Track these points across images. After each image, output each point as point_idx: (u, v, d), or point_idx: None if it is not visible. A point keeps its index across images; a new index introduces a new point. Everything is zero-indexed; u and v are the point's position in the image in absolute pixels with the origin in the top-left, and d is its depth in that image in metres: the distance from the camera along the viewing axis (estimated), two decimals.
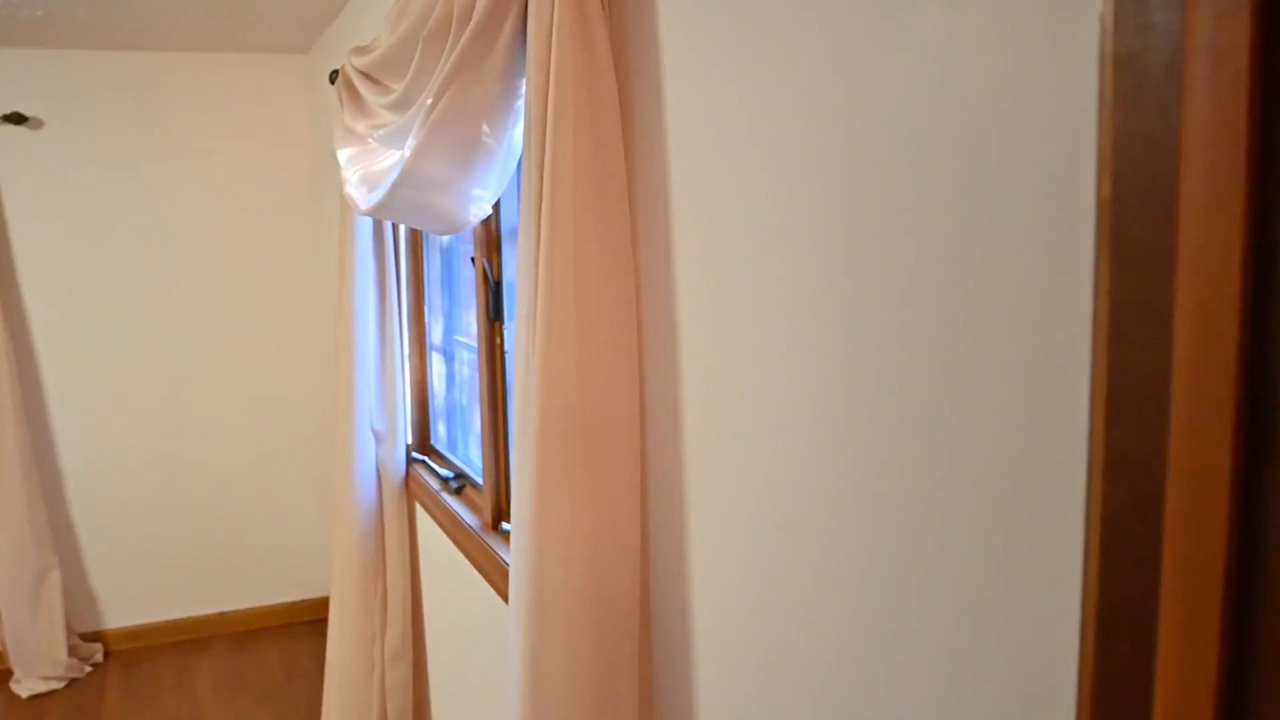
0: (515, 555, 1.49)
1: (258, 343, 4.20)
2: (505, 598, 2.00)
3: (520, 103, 1.63)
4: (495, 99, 1.62)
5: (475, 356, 2.73)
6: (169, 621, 4.25)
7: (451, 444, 2.88)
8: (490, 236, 2.19)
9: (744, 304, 1.15)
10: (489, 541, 2.19)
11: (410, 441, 2.89)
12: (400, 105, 1.98)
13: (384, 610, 2.88)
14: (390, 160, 2.27)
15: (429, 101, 1.67)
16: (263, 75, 4.06)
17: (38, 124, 3.84)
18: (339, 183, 2.87)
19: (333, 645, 2.94)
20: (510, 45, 1.55)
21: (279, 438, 4.28)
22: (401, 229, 2.79)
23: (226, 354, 4.16)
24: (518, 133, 1.71)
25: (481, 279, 2.20)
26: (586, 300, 1.34)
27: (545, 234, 1.33)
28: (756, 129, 1.10)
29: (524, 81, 1.59)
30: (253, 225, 4.12)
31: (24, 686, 3.85)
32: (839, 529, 1.02)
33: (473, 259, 2.25)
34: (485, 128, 1.67)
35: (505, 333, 2.19)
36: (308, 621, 4.40)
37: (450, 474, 2.62)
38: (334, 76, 2.83)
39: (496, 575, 2.08)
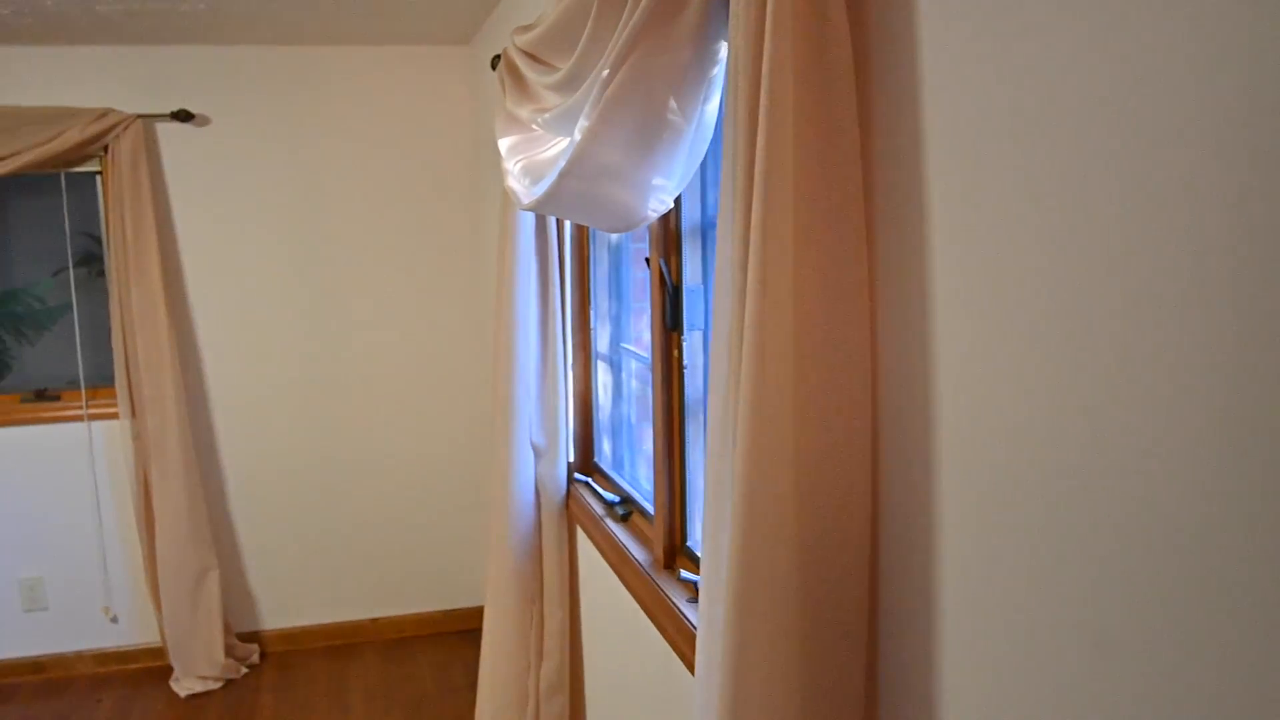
0: (708, 625, 1.20)
1: (417, 342, 4.06)
2: (683, 655, 1.71)
3: (717, 72, 1.34)
4: (685, 68, 1.34)
5: (645, 368, 2.47)
6: (322, 625, 4.16)
7: (617, 463, 2.63)
8: (668, 234, 1.91)
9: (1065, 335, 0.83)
10: (661, 584, 1.91)
11: (572, 459, 2.64)
12: (568, 84, 1.72)
13: (540, 639, 2.65)
14: (556, 148, 2.02)
15: (604, 74, 1.40)
16: (424, 67, 3.91)
17: (203, 121, 3.79)
18: (500, 176, 2.69)
19: (485, 672, 2.73)
20: (705, 1, 1.26)
21: (437, 442, 4.14)
22: (567, 225, 2.55)
23: (385, 353, 4.04)
24: (711, 109, 1.42)
25: (658, 283, 1.92)
26: (808, 317, 1.04)
27: (757, 235, 1.03)
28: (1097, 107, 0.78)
29: (723, 45, 1.30)
30: (413, 222, 3.98)
31: (182, 685, 3.82)
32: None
33: (647, 260, 1.98)
34: (672, 103, 1.38)
35: (684, 344, 1.90)
36: (459, 631, 4.25)
37: (616, 498, 2.36)
38: (495, 62, 2.62)
39: (670, 625, 1.81)
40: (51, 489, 3.87)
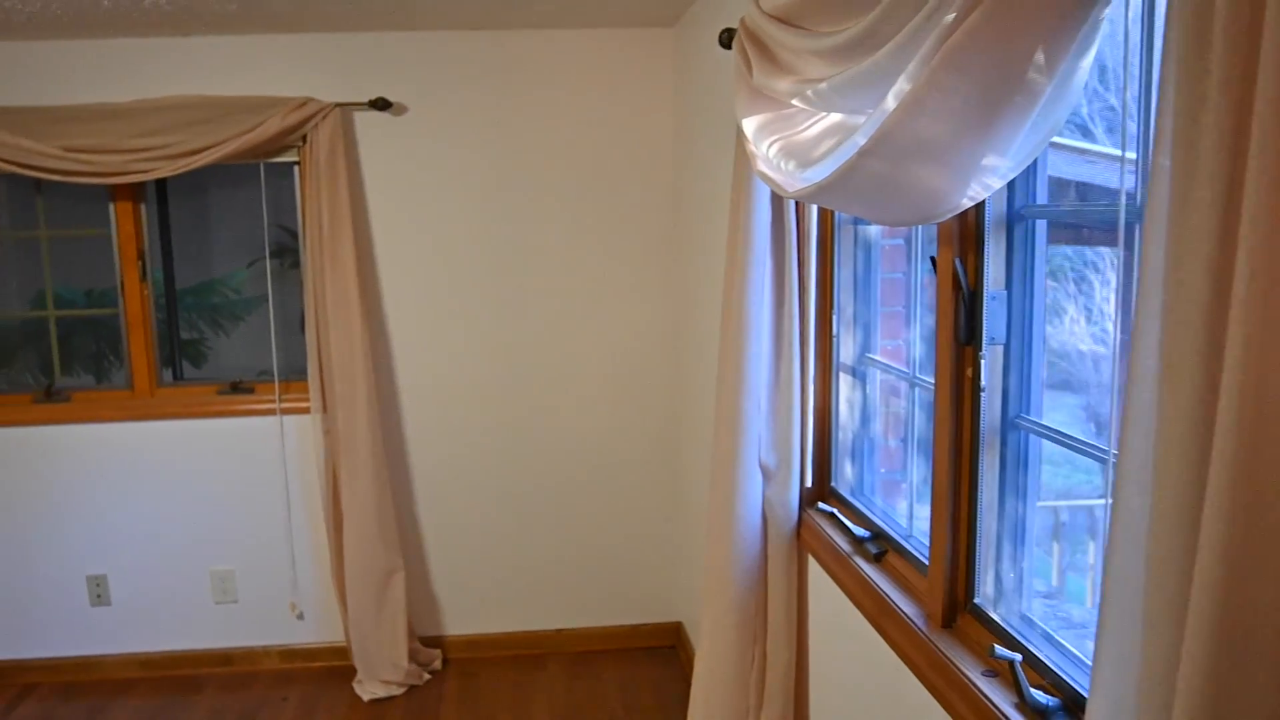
0: None
1: (612, 342, 3.84)
2: None
3: (1100, 8, 1.02)
4: (1065, 7, 1.03)
5: (896, 383, 2.14)
6: (506, 634, 4.00)
7: (857, 490, 2.31)
8: (966, 229, 1.59)
9: None
10: (942, 648, 1.59)
11: (806, 483, 2.35)
12: (859, 45, 1.42)
13: (761, 683, 2.37)
14: (819, 125, 1.72)
15: (948, 19, 1.10)
16: (626, 51, 3.68)
17: (400, 109, 3.66)
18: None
19: (697, 712, 2.46)
20: None
21: (632, 448, 3.91)
22: (811, 218, 2.25)
23: (579, 353, 3.84)
24: (1084, 66, 1.10)
25: (949, 287, 1.60)
26: None
27: (1259, 227, 0.71)
28: None
29: None
30: (611, 215, 3.76)
31: (365, 689, 3.72)
32: None
33: (932, 259, 1.66)
34: (1039, 56, 1.07)
35: (981, 361, 1.58)
36: (648, 648, 4.01)
37: (866, 533, 2.05)
38: (725, 37, 2.34)
39: (959, 700, 1.49)
40: (244, 482, 3.83)
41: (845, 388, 2.29)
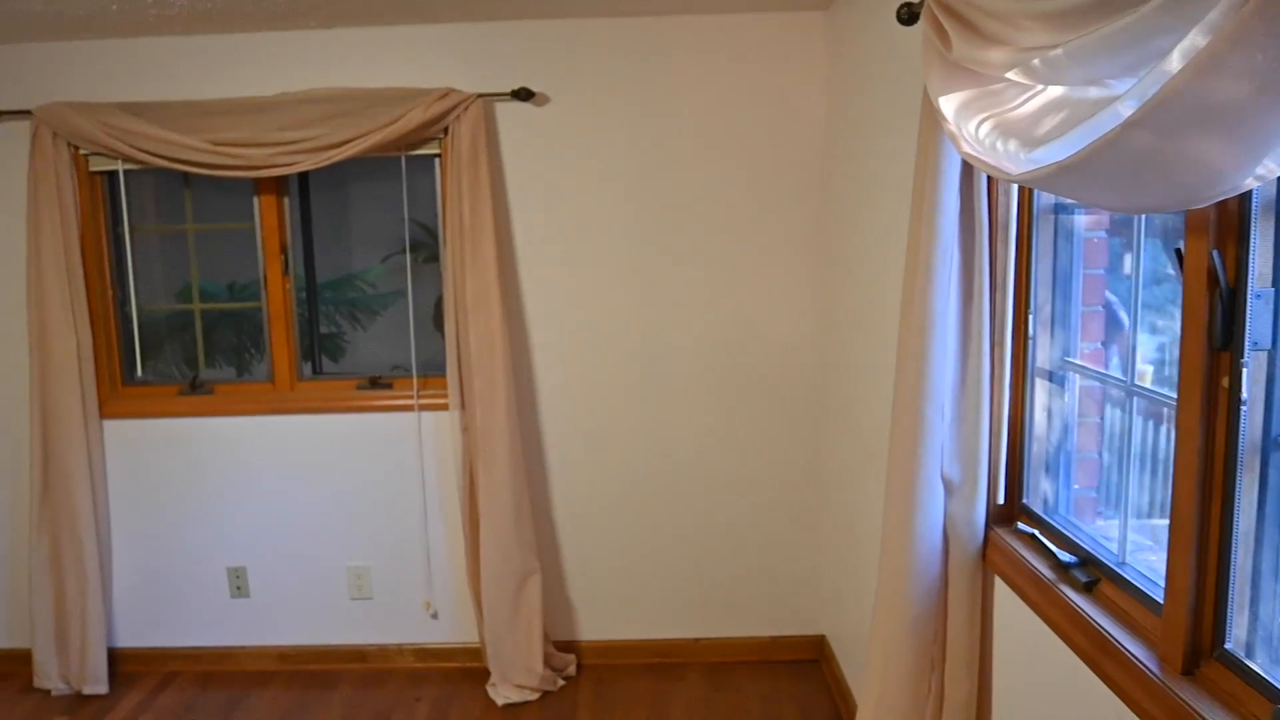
0: None
1: (759, 341, 3.67)
2: None
3: None
4: None
5: (1097, 390, 1.92)
6: (642, 641, 3.87)
7: (1052, 509, 2.10)
8: (1227, 216, 1.37)
9: None
10: (1187, 699, 1.38)
11: (996, 499, 2.14)
12: (1107, 2, 1.22)
13: (938, 715, 2.17)
14: (1040, 99, 1.53)
15: None
16: (775, 36, 3.50)
17: (542, 99, 3.56)
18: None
19: None
20: None
21: (776, 453, 3.73)
22: (1008, 205, 2.04)
23: (724, 352, 3.68)
24: None
25: (1202, 284, 1.39)
26: None
27: None
28: None
29: None
30: (759, 208, 3.59)
31: (499, 693, 3.63)
32: None
33: (1178, 251, 1.45)
34: None
35: (1243, 370, 1.36)
36: (790, 662, 3.83)
37: (1073, 558, 1.84)
38: (905, 13, 2.15)
39: None
40: (381, 478, 3.79)
41: (1041, 394, 2.08)
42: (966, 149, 1.65)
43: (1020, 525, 2.07)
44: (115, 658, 3.93)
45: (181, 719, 3.60)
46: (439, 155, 3.64)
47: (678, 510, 3.78)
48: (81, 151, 3.64)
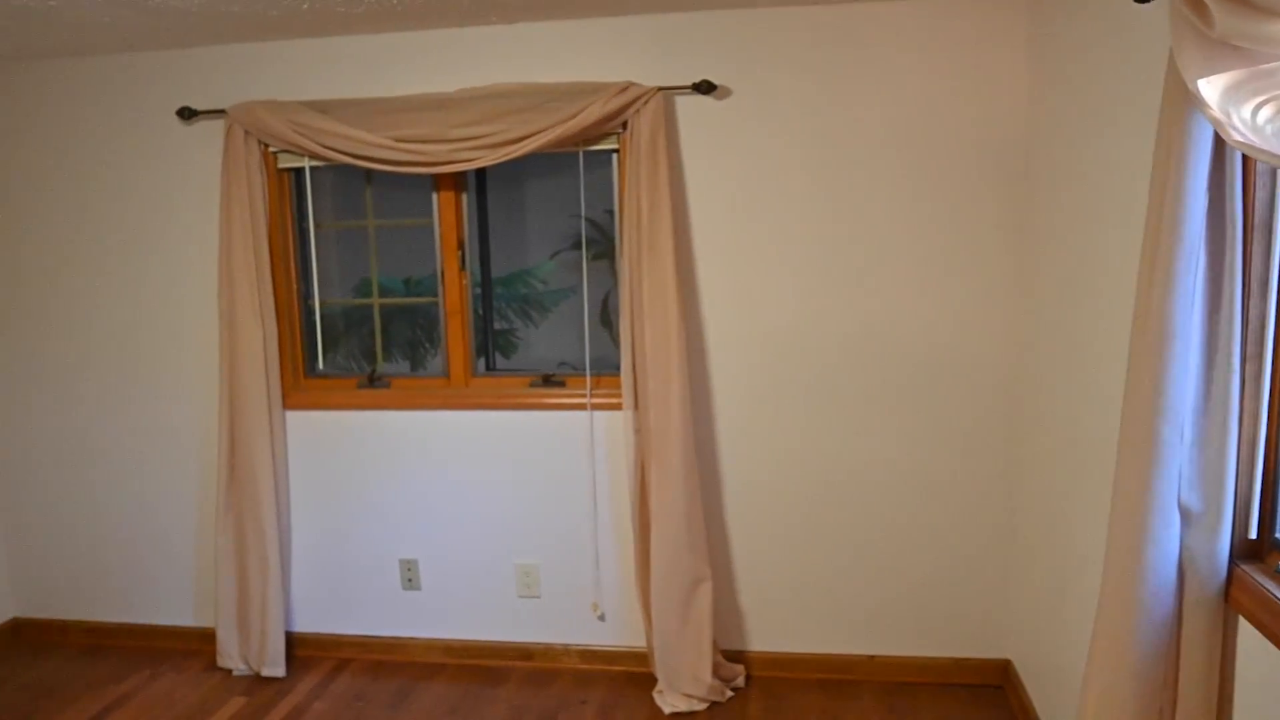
0: None
1: (947, 346, 3.47)
2: None
3: None
4: None
5: None
6: (814, 655, 3.72)
7: None
8: None
9: None
10: None
11: (1243, 532, 1.91)
12: None
13: None
14: None
15: None
16: (970, 23, 3.29)
17: (724, 92, 3.45)
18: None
19: None
20: None
21: (964, 464, 3.52)
22: (1277, 198, 1.81)
23: (909, 358, 3.49)
24: None
25: None
26: None
27: None
28: None
29: None
30: (952, 206, 3.38)
31: (666, 700, 3.55)
32: None
33: None
34: None
35: None
36: (971, 685, 3.62)
37: None
38: None
39: None
40: (552, 477, 3.76)
41: None
42: (1238, 137, 1.45)
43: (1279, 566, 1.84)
44: (292, 641, 4.04)
45: (353, 706, 3.65)
46: (617, 150, 3.57)
47: (856, 520, 3.61)
48: (270, 149, 3.74)
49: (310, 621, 4.06)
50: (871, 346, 3.50)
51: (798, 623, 3.71)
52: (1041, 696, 3.18)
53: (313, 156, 3.68)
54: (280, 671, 3.89)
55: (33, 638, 4.34)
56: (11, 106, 3.96)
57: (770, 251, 3.50)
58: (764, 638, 3.74)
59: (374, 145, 3.51)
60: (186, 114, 3.76)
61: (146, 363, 4.02)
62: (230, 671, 3.96)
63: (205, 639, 4.13)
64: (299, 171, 3.83)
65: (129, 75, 3.83)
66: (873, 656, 3.68)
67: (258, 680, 3.89)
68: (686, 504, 3.46)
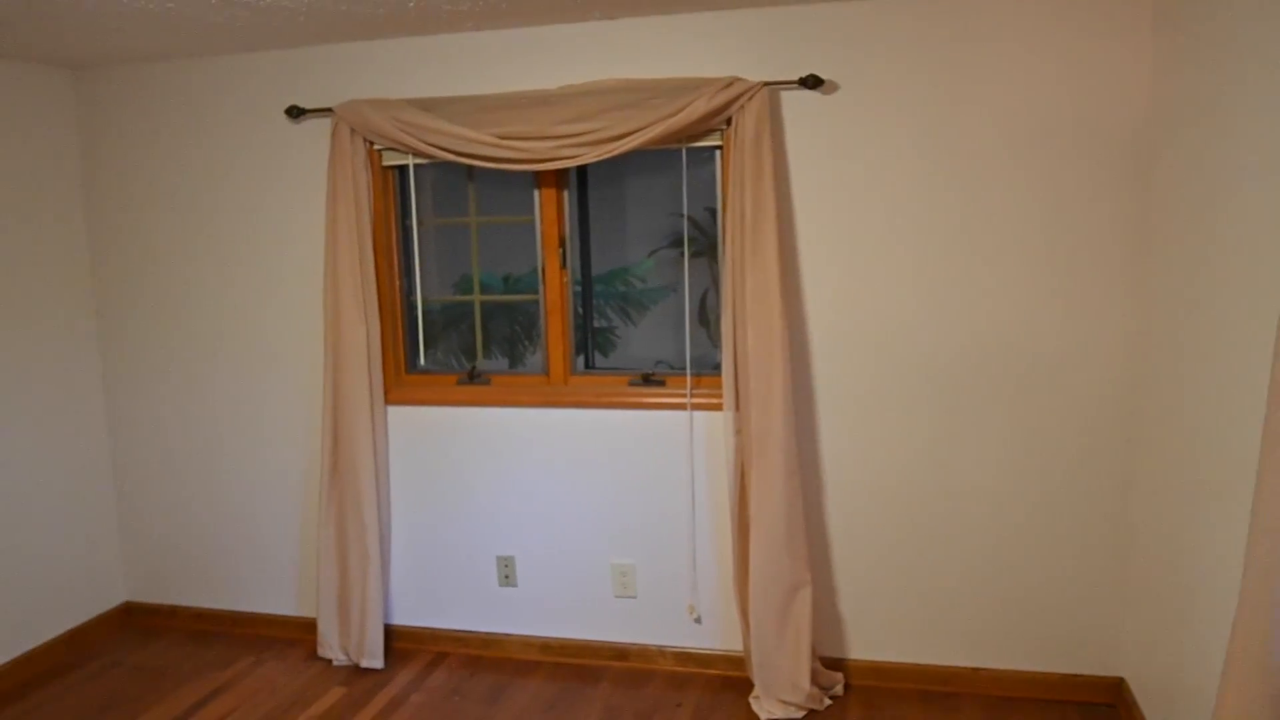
0: None
1: (1062, 352, 3.34)
2: None
3: None
4: None
5: None
6: (915, 665, 3.62)
7: None
8: None
9: None
10: None
11: None
12: None
13: None
14: None
15: None
16: (1091, 15, 3.15)
17: (831, 87, 3.38)
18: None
19: None
20: None
21: (1073, 471, 3.39)
22: None
23: (1019, 363, 3.37)
24: None
25: None
26: None
27: None
28: None
29: None
30: (1069, 205, 3.25)
31: (762, 706, 3.50)
32: None
33: None
34: None
35: None
36: (1081, 703, 3.48)
37: None
38: None
39: None
40: (650, 477, 3.73)
41: None
42: None
43: None
44: (390, 634, 4.08)
45: (450, 700, 3.68)
46: (720, 147, 3.52)
47: (963, 527, 3.50)
48: (375, 147, 3.78)
49: (408, 615, 4.10)
50: (982, 349, 3.39)
51: (899, 631, 3.62)
52: (1159, 718, 3.05)
53: (417, 154, 3.70)
54: (379, 663, 3.93)
55: (143, 621, 4.47)
56: (127, 109, 4.08)
57: (877, 251, 3.42)
58: (864, 645, 3.66)
59: (477, 142, 3.52)
60: (295, 113, 3.82)
61: (255, 357, 4.11)
62: (330, 661, 4.02)
63: (307, 628, 4.20)
64: (403, 169, 3.86)
65: (239, 76, 3.91)
66: (977, 669, 3.57)
67: (356, 671, 3.94)
68: (787, 507, 3.40)
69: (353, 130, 3.70)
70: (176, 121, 4.03)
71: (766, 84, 3.33)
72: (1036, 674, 3.52)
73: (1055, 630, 3.49)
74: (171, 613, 4.42)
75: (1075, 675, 3.49)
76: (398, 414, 3.96)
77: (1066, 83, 3.20)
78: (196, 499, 4.30)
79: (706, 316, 4.43)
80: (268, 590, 4.27)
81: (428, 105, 3.63)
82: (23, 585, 4.00)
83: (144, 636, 4.35)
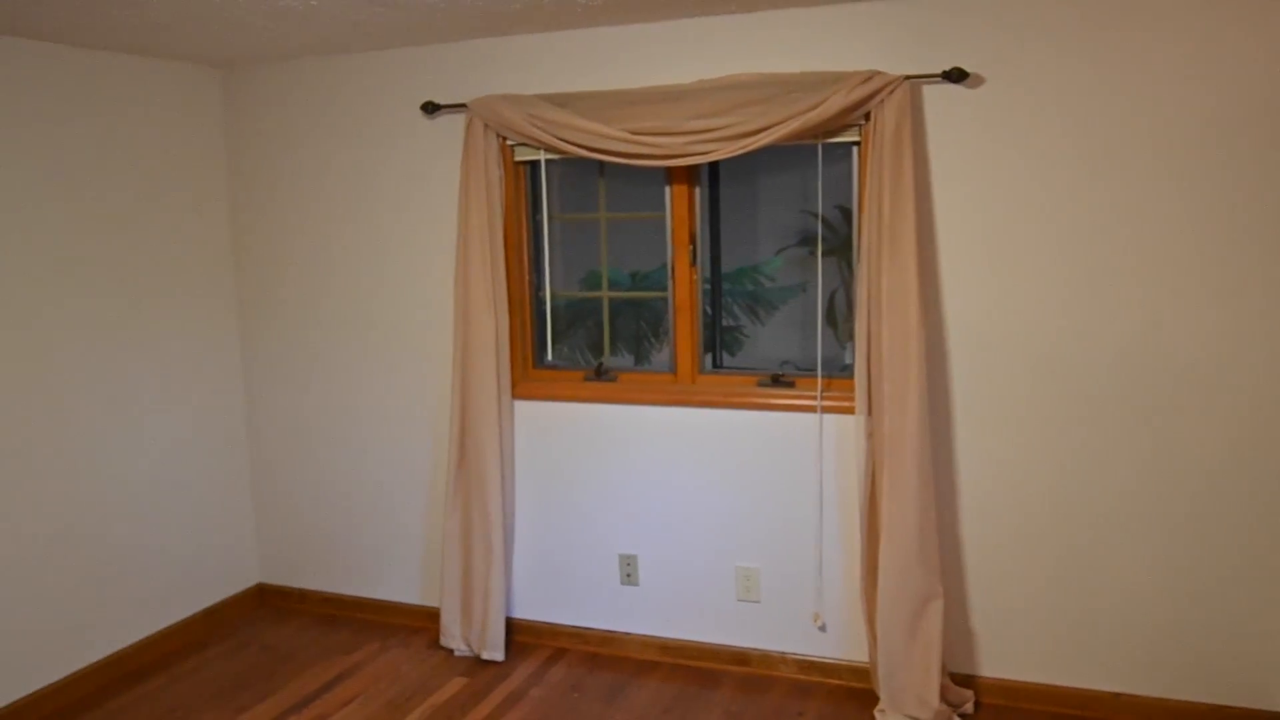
0: None
1: (1215, 363, 3.12)
2: None
3: None
4: None
5: None
6: (1051, 686, 3.46)
7: None
8: None
9: None
10: None
11: None
12: None
13: None
14: None
15: None
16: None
17: (976, 81, 3.24)
18: None
19: None
20: None
21: (1228, 495, 3.17)
22: None
23: (1171, 375, 3.17)
24: None
25: None
26: None
27: None
28: None
29: None
30: (1230, 205, 3.04)
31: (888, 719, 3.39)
32: None
33: None
34: None
35: None
36: None
37: None
38: None
39: None
40: (777, 480, 3.66)
41: None
42: None
43: None
44: (511, 627, 4.11)
45: (569, 697, 3.67)
46: (857, 143, 3.43)
47: (1104, 545, 3.33)
48: (508, 142, 3.80)
49: (529, 608, 4.12)
50: (1127, 361, 3.21)
51: (1034, 650, 3.46)
52: None
53: (548, 149, 3.71)
54: (499, 655, 3.96)
55: (275, 603, 4.60)
56: (269, 107, 4.20)
57: (1023, 254, 3.27)
58: (996, 663, 3.51)
59: (609, 138, 3.50)
60: (430, 108, 3.87)
61: (389, 349, 4.18)
62: (452, 651, 4.06)
63: (430, 617, 4.26)
64: (534, 164, 3.87)
65: (375, 73, 3.98)
66: (1118, 694, 3.39)
67: (477, 662, 3.97)
68: (920, 516, 3.28)
69: (486, 126, 3.72)
70: (315, 118, 4.14)
71: (908, 77, 3.22)
72: (1184, 703, 3.32)
73: (1206, 656, 3.28)
74: (301, 596, 4.54)
75: (1227, 706, 3.28)
76: (524, 408, 3.98)
77: (1242, 72, 2.99)
78: (328, 487, 4.40)
79: (835, 317, 4.33)
80: (394, 578, 4.35)
81: (560, 100, 3.63)
82: (166, 564, 4.16)
83: (275, 617, 4.48)
